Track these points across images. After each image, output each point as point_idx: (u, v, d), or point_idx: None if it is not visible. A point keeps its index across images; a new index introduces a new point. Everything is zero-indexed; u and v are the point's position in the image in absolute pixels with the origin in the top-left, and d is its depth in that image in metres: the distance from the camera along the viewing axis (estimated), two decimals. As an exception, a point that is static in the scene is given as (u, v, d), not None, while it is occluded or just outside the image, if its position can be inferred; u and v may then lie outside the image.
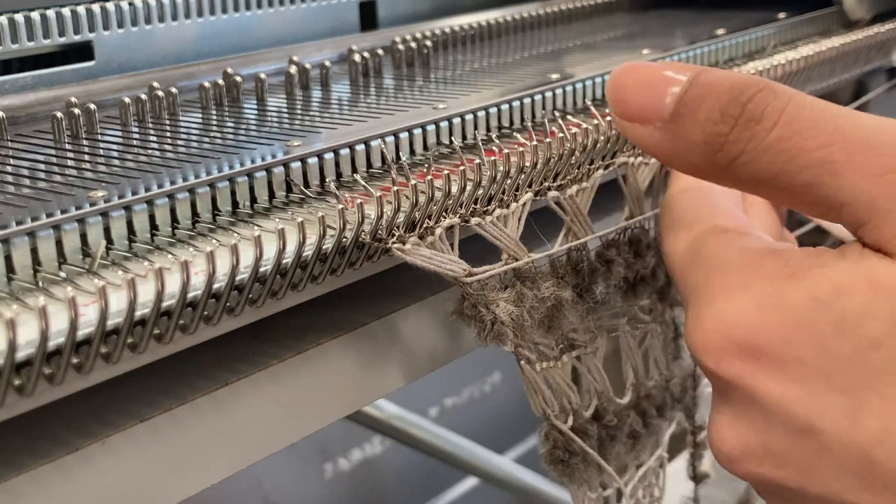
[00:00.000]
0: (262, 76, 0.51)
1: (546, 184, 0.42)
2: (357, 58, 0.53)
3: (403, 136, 0.42)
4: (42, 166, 0.38)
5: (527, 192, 0.41)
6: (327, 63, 0.53)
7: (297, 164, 0.38)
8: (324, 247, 0.34)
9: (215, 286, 0.31)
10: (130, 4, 0.51)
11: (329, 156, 0.39)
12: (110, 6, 0.50)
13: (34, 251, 0.31)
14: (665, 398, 0.49)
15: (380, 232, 0.36)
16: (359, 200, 0.35)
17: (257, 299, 0.34)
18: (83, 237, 0.32)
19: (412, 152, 0.42)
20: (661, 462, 0.49)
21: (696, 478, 0.54)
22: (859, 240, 0.30)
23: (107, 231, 0.33)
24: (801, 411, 0.30)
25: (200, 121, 0.45)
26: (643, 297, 0.47)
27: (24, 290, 0.30)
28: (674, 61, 0.37)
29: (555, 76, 0.49)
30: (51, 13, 0.48)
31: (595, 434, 0.43)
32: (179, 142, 0.42)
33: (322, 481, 1.17)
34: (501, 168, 0.39)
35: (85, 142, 0.42)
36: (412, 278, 0.40)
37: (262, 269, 0.32)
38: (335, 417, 0.39)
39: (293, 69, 0.51)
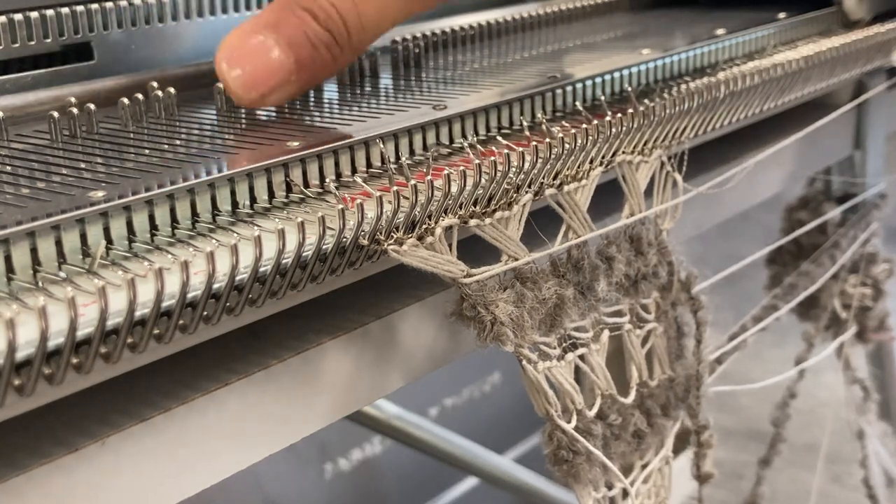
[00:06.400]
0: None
1: (545, 182, 0.42)
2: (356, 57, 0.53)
3: (403, 136, 0.42)
4: (42, 166, 0.38)
5: (526, 193, 0.41)
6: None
7: (297, 164, 0.38)
8: (323, 247, 0.34)
9: (215, 286, 0.31)
10: (130, 4, 0.51)
11: (329, 156, 0.39)
12: (110, 6, 0.50)
13: (34, 251, 0.31)
14: (669, 397, 0.49)
15: (378, 233, 0.36)
16: (359, 200, 0.35)
17: (257, 299, 0.34)
18: (83, 237, 0.32)
19: (412, 152, 0.42)
20: (667, 461, 0.49)
21: (700, 477, 0.54)
22: None
23: (107, 231, 0.33)
24: None
25: (200, 121, 0.45)
26: (645, 296, 0.47)
27: (23, 290, 0.30)
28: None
29: (555, 76, 0.49)
30: (51, 13, 0.48)
31: (599, 433, 0.43)
32: (179, 142, 0.42)
33: (322, 481, 1.17)
34: (501, 168, 0.39)
35: (84, 142, 0.42)
36: (412, 278, 0.40)
37: (261, 269, 0.32)
38: (335, 417, 0.39)
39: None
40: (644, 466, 0.48)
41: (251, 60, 0.41)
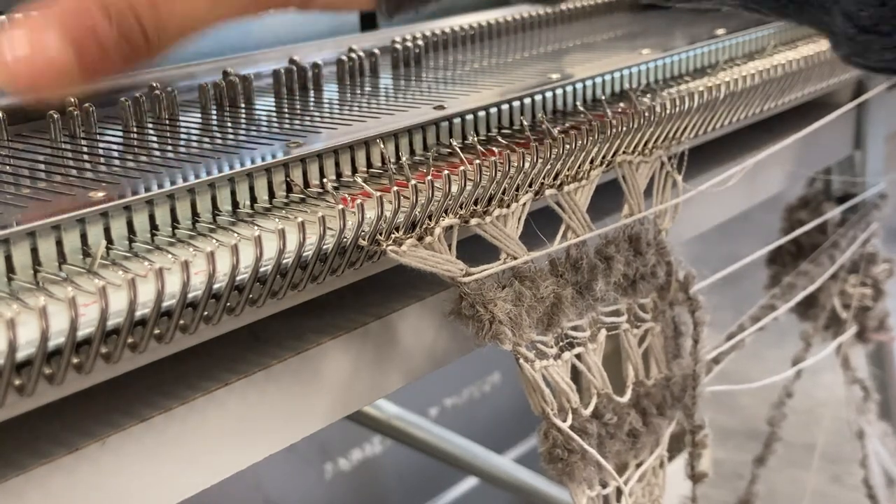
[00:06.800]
0: (262, 76, 0.51)
1: (545, 182, 0.42)
2: (357, 58, 0.53)
3: (403, 136, 0.42)
4: (42, 166, 0.38)
5: (526, 193, 0.41)
6: (327, 63, 0.53)
7: (297, 164, 0.38)
8: (324, 247, 0.34)
9: (215, 286, 0.31)
10: (130, 4, 0.51)
11: (329, 156, 0.39)
12: (110, 6, 0.50)
13: (34, 251, 0.31)
14: (665, 397, 0.49)
15: (378, 233, 0.36)
16: (359, 200, 0.35)
17: (257, 299, 0.34)
18: (83, 237, 0.32)
19: (412, 152, 0.42)
20: (661, 461, 0.49)
21: (695, 477, 0.54)
22: None
23: (107, 231, 0.33)
24: None
25: (200, 121, 0.45)
26: (643, 296, 0.48)
27: (24, 290, 0.30)
28: None
29: (555, 76, 0.49)
30: (51, 13, 0.48)
31: (594, 432, 0.43)
32: (179, 142, 0.42)
33: (322, 481, 1.17)
34: (501, 168, 0.39)
35: (85, 142, 0.42)
36: (412, 278, 0.40)
37: (262, 269, 0.32)
38: (335, 417, 0.39)
39: (293, 69, 0.51)
40: (639, 465, 0.48)
41: (28, 49, 0.37)
